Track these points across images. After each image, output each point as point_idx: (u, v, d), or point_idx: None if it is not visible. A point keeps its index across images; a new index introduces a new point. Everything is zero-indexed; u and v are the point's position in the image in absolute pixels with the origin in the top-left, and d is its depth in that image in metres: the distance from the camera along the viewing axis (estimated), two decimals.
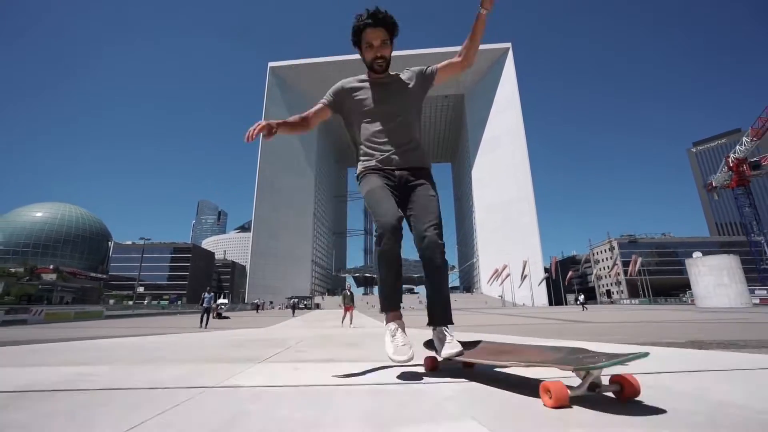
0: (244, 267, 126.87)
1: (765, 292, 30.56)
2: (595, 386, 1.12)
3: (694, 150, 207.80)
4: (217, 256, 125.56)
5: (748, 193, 41.21)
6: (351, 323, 10.51)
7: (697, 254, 27.89)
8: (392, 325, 1.70)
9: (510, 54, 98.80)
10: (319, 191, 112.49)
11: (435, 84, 2.01)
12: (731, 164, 41.34)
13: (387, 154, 1.86)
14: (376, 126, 1.90)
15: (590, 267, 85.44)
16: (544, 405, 1.06)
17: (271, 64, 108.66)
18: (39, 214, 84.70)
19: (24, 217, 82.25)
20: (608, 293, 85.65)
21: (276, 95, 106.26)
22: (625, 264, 78.31)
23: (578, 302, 28.25)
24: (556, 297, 71.31)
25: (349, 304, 11.84)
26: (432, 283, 1.74)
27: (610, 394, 1.12)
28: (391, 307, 1.74)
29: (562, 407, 1.03)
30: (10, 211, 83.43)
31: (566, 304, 70.43)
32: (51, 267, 70.47)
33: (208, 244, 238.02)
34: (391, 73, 1.96)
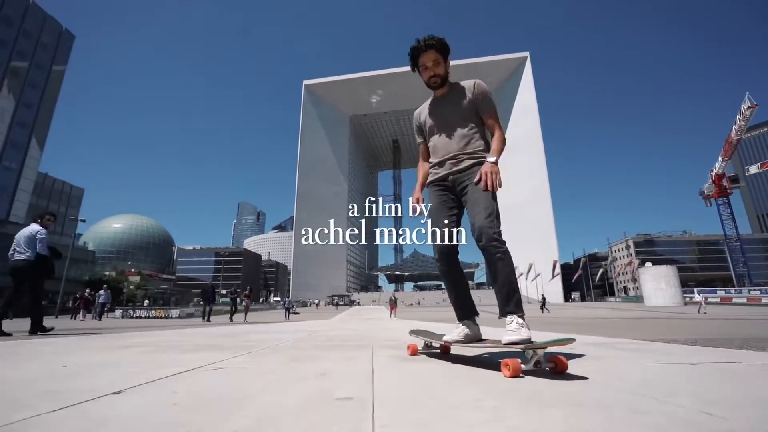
0: (285, 266, 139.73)
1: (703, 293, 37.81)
2: (538, 363, 1.57)
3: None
4: (261, 257, 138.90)
5: (727, 203, 46.40)
6: (395, 316, 18.16)
7: (648, 264, 34.78)
8: (458, 325, 2.01)
9: (528, 63, 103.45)
10: (351, 196, 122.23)
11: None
12: (713, 178, 46.69)
13: (443, 162, 2.08)
14: (436, 138, 2.12)
15: (607, 264, 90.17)
16: (504, 376, 1.50)
17: (305, 82, 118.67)
18: (118, 225, 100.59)
19: (107, 228, 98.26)
20: (625, 290, 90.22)
21: (310, 109, 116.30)
22: (641, 263, 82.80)
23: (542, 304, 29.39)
24: (566, 294, 77.64)
25: (393, 305, 20.24)
26: (491, 273, 1.80)
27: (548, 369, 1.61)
28: (459, 317, 2.04)
29: (516, 377, 1.47)
30: (96, 223, 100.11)
31: (570, 300, 76.44)
32: (133, 270, 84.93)
33: (249, 244, 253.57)
34: (453, 84, 2.13)
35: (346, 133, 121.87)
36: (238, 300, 15.72)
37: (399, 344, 2.98)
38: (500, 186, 1.82)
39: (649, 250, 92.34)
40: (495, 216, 1.84)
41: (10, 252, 5.38)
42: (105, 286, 20.61)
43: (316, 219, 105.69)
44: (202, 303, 14.42)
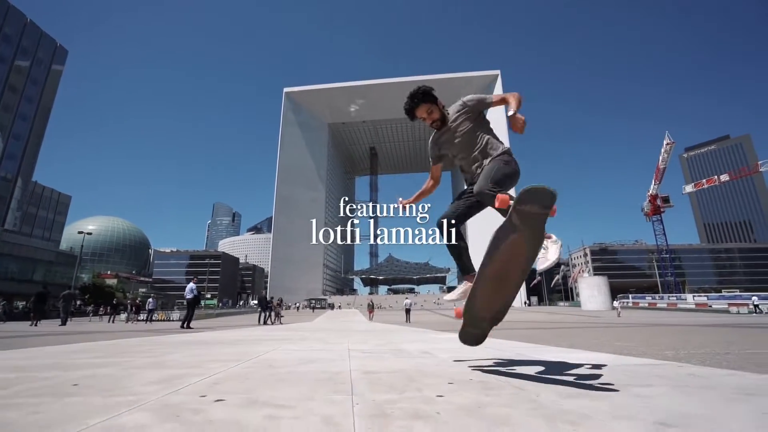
0: (262, 269, 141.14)
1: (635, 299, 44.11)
2: None
3: (686, 156, 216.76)
4: (239, 261, 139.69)
5: (660, 221, 53.62)
6: (372, 319, 21.54)
7: (586, 274, 40.79)
8: (465, 281, 2.33)
9: (499, 80, 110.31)
10: (329, 201, 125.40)
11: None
12: (648, 198, 53.80)
13: (473, 172, 2.30)
14: (460, 159, 2.35)
15: (560, 272, 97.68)
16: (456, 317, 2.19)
17: (286, 89, 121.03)
18: (92, 227, 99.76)
19: (81, 230, 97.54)
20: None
21: (290, 117, 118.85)
22: (595, 270, 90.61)
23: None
24: (529, 297, 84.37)
25: (371, 309, 24.02)
26: None
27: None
28: (463, 274, 2.34)
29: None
30: (69, 224, 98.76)
31: (527, 305, 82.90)
32: (109, 273, 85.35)
33: (224, 245, 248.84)
34: (452, 116, 2.31)
35: (325, 140, 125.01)
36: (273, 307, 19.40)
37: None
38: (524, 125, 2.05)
39: (606, 258, 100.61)
40: (494, 179, 2.01)
41: (185, 294, 11.64)
42: (153, 294, 25.48)
43: (295, 224, 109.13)
44: (259, 310, 17.92)
